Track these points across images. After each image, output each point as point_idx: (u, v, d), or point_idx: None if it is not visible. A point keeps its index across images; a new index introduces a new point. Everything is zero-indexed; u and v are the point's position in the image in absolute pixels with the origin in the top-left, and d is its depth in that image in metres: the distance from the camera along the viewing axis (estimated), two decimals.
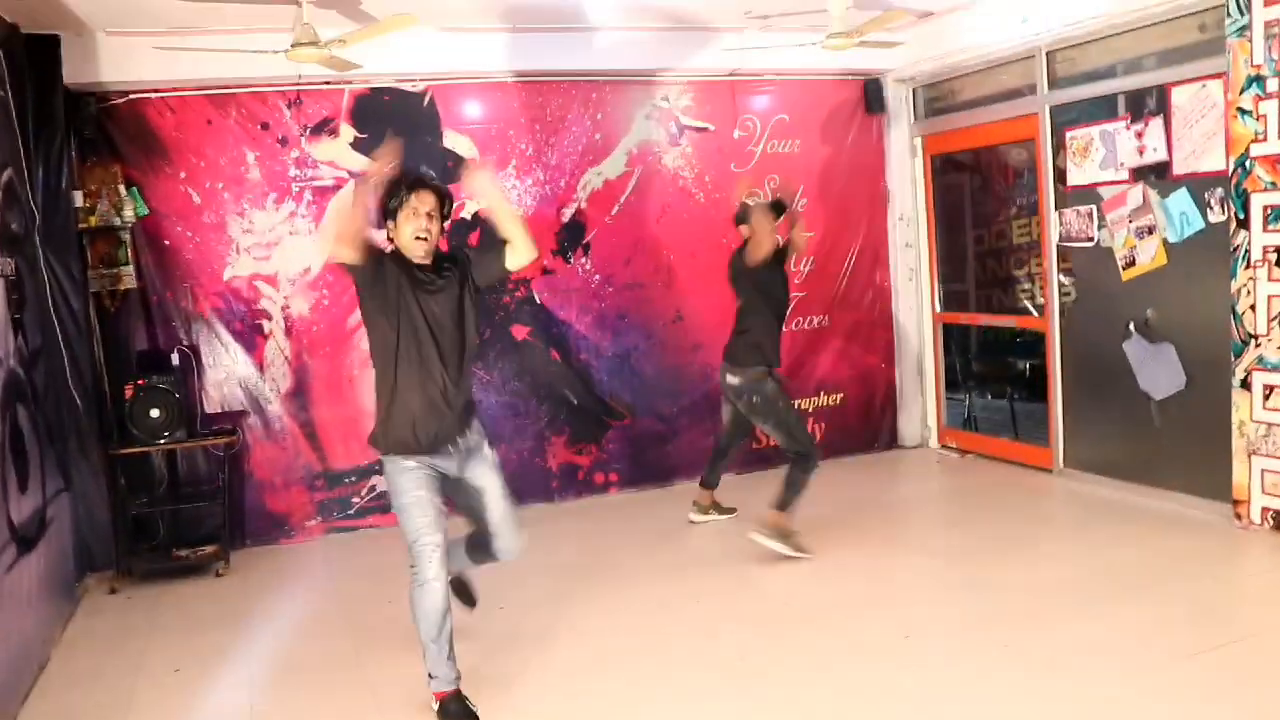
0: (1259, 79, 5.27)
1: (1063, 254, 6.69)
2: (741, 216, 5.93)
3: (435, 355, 3.87)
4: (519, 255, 4.00)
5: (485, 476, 4.09)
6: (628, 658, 4.48)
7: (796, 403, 7.50)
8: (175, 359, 6.09)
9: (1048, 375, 6.91)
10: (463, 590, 4.64)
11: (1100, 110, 6.37)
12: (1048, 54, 6.65)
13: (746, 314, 5.87)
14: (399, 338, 3.85)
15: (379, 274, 3.83)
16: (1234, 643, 4.17)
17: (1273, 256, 5.30)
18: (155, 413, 5.81)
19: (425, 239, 3.87)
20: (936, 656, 4.26)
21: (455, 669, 3.93)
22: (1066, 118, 6.59)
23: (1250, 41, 5.29)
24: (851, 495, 6.86)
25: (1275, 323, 5.31)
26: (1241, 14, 5.29)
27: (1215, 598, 4.71)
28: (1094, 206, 6.42)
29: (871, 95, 7.74)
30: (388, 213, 3.90)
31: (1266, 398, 5.40)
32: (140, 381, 5.80)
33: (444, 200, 3.96)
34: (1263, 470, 5.45)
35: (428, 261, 3.92)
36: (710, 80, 7.29)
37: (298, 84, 6.30)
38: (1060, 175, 6.66)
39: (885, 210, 7.93)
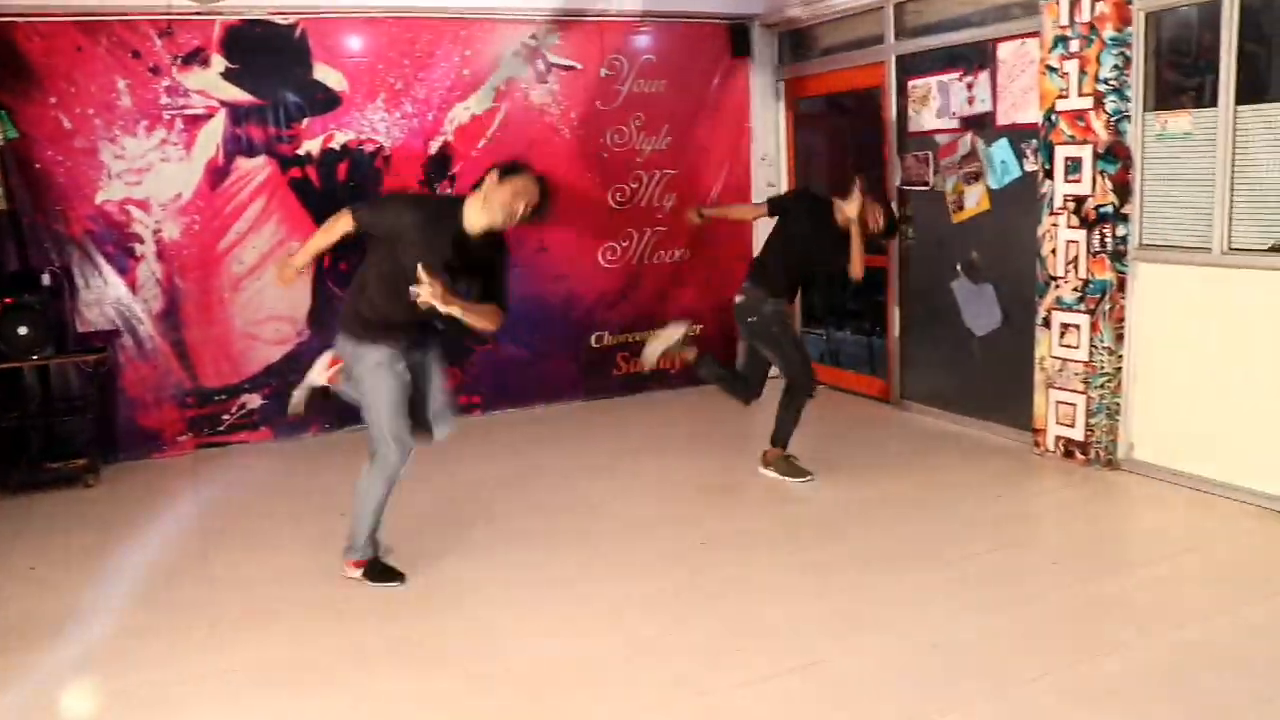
0: (1064, 39, 5.71)
1: (903, 197, 7.15)
2: (846, 194, 5.81)
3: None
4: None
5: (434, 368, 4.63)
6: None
7: None
8: (46, 279, 6.31)
9: (887, 312, 7.40)
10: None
11: (939, 62, 6.79)
12: (896, 6, 7.04)
13: (774, 243, 5.95)
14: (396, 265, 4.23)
15: (392, 227, 4.26)
16: (989, 552, 4.72)
17: (1071, 205, 5.80)
18: (24, 330, 6.07)
19: (507, 224, 4.27)
20: (727, 559, 4.76)
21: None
22: (911, 68, 7.02)
23: (1058, 4, 5.73)
24: (697, 421, 7.36)
25: (1071, 266, 5.83)
26: None
27: (986, 514, 5.25)
28: (930, 153, 6.88)
29: (738, 39, 8.08)
30: (502, 172, 4.26)
31: (1062, 335, 5.93)
32: (8, 300, 6.05)
33: (542, 205, 4.33)
34: (1057, 402, 6.01)
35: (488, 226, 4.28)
36: (579, 20, 7.57)
37: (168, 13, 6.48)
38: (902, 122, 7.10)
39: (748, 151, 8.32)
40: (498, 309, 4.38)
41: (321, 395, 4.92)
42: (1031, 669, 3.62)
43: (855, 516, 5.30)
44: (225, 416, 7.09)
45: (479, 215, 4.29)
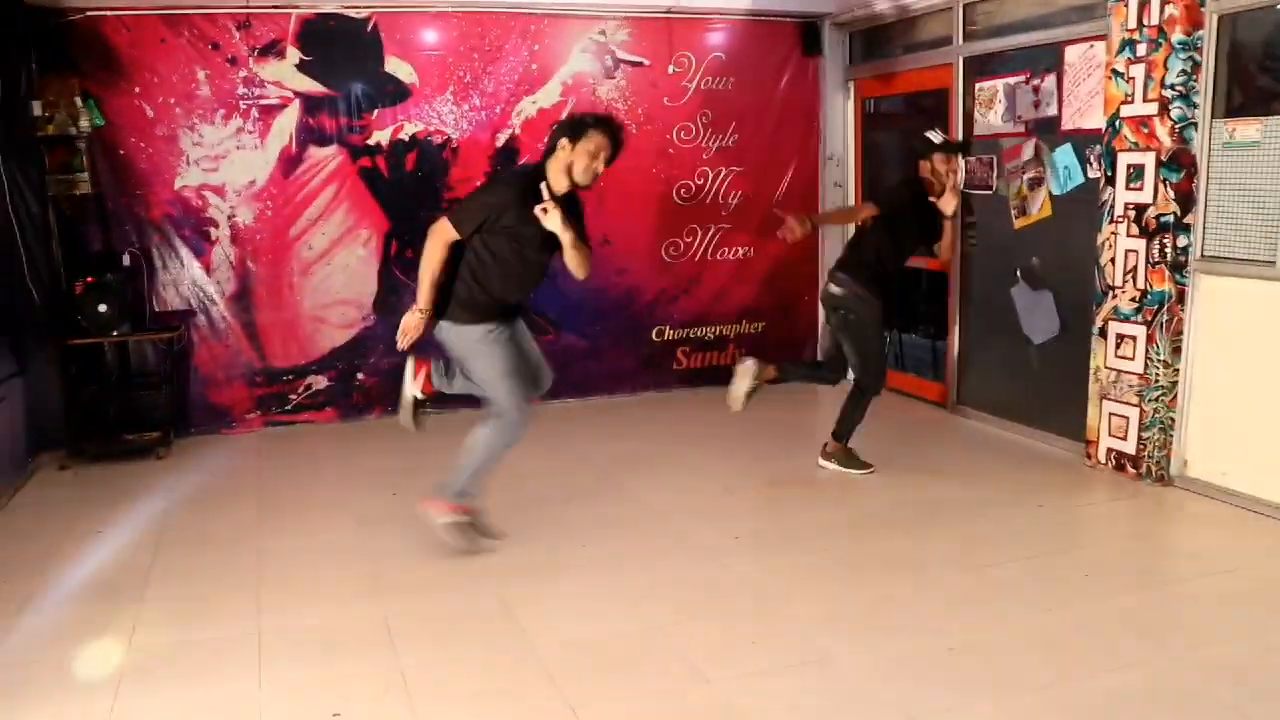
0: (1131, 43, 5.65)
1: (966, 201, 7.12)
2: (923, 153, 5.93)
3: (534, 261, 4.65)
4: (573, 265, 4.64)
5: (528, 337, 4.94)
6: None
7: (718, 329, 8.12)
8: (126, 260, 6.68)
9: (948, 316, 7.38)
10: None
11: (1006, 64, 6.76)
12: (965, 7, 7.02)
13: (880, 238, 5.90)
14: (507, 245, 4.55)
15: (493, 213, 4.51)
16: (1022, 560, 4.72)
17: (1131, 213, 5.74)
18: (103, 307, 6.41)
19: (595, 178, 4.53)
20: (772, 555, 4.85)
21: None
22: (978, 70, 6.99)
23: (1126, 6, 5.67)
24: (757, 417, 7.41)
25: (1129, 276, 5.77)
26: None
27: (1026, 523, 5.24)
28: (994, 156, 6.85)
29: (809, 37, 8.12)
30: (571, 135, 4.49)
31: (1118, 346, 5.87)
32: (90, 279, 6.39)
33: (617, 144, 4.53)
34: (1110, 414, 5.95)
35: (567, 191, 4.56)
36: (648, 17, 7.69)
37: (247, 7, 6.78)
38: (969, 124, 7.07)
39: (817, 150, 8.35)
40: (590, 251, 4.67)
41: (423, 406, 5.11)
42: (1041, 678, 3.64)
43: (893, 519, 5.34)
44: (292, 396, 7.38)
45: (561, 179, 4.52)
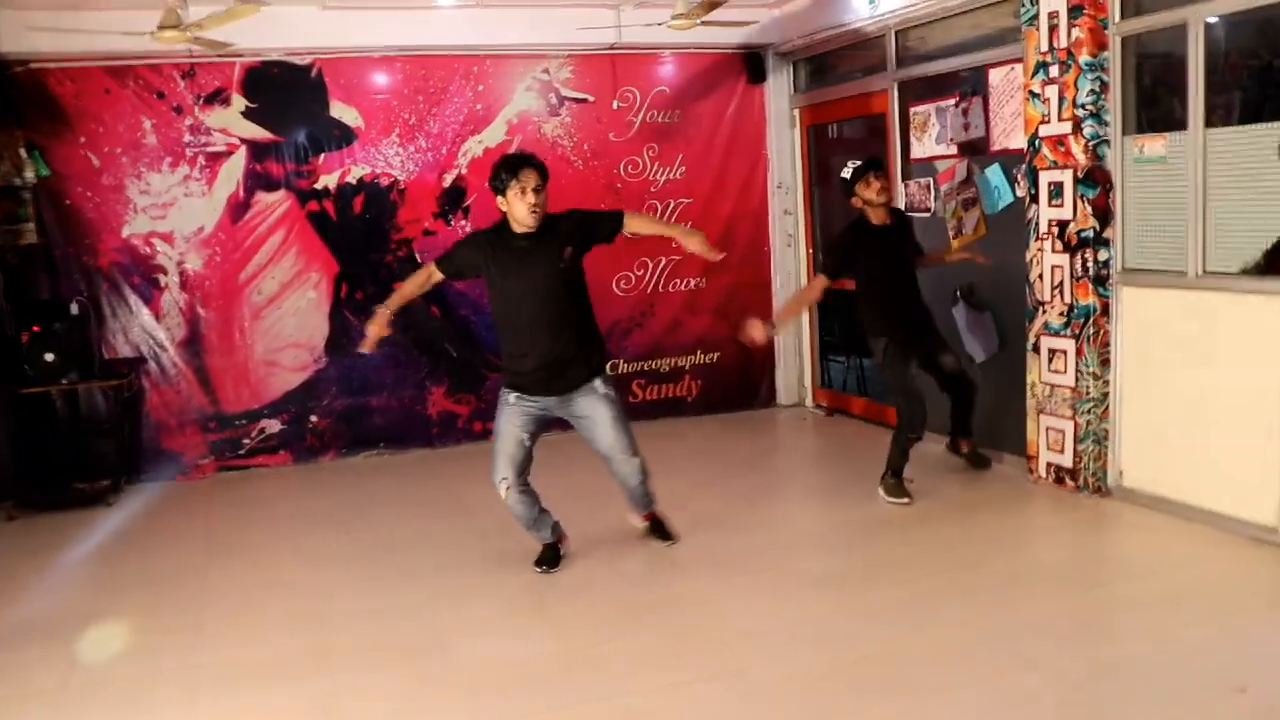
0: (1044, 65, 5.94)
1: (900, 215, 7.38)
2: (847, 193, 6.11)
3: (529, 312, 4.89)
4: (688, 241, 5.12)
5: (591, 407, 5.06)
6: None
7: (673, 360, 8.40)
8: (74, 308, 6.95)
9: None
10: (659, 528, 5.58)
11: (937, 88, 7.07)
12: (897, 33, 7.34)
13: (860, 287, 6.22)
14: (499, 300, 4.96)
15: (468, 265, 5.01)
16: (945, 573, 4.95)
17: (1055, 229, 6.01)
18: (50, 356, 6.68)
19: (538, 212, 4.82)
20: (685, 575, 5.09)
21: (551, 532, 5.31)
22: (912, 94, 7.30)
23: (1038, 30, 5.97)
24: (702, 447, 7.70)
25: (1056, 291, 6.04)
26: (1031, 4, 5.95)
27: (956, 538, 5.47)
28: (931, 179, 7.14)
29: (753, 67, 8.46)
30: (496, 190, 4.86)
31: (1050, 361, 6.12)
32: (36, 329, 6.67)
33: (545, 174, 4.86)
34: (1047, 428, 6.19)
35: (534, 227, 4.86)
36: (591, 54, 8.01)
37: (190, 57, 7.09)
38: (906, 148, 7.38)
39: (765, 179, 8.66)
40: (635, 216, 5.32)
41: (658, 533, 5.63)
42: (941, 683, 3.86)
43: (825, 538, 5.62)
44: (245, 440, 7.63)
45: (521, 226, 4.87)
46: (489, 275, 4.93)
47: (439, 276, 5.09)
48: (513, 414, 5.01)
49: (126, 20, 6.60)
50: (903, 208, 7.30)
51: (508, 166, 4.83)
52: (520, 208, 4.79)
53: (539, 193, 4.82)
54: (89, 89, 7.05)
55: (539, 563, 5.23)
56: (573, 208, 5.21)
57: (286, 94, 7.41)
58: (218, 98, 7.29)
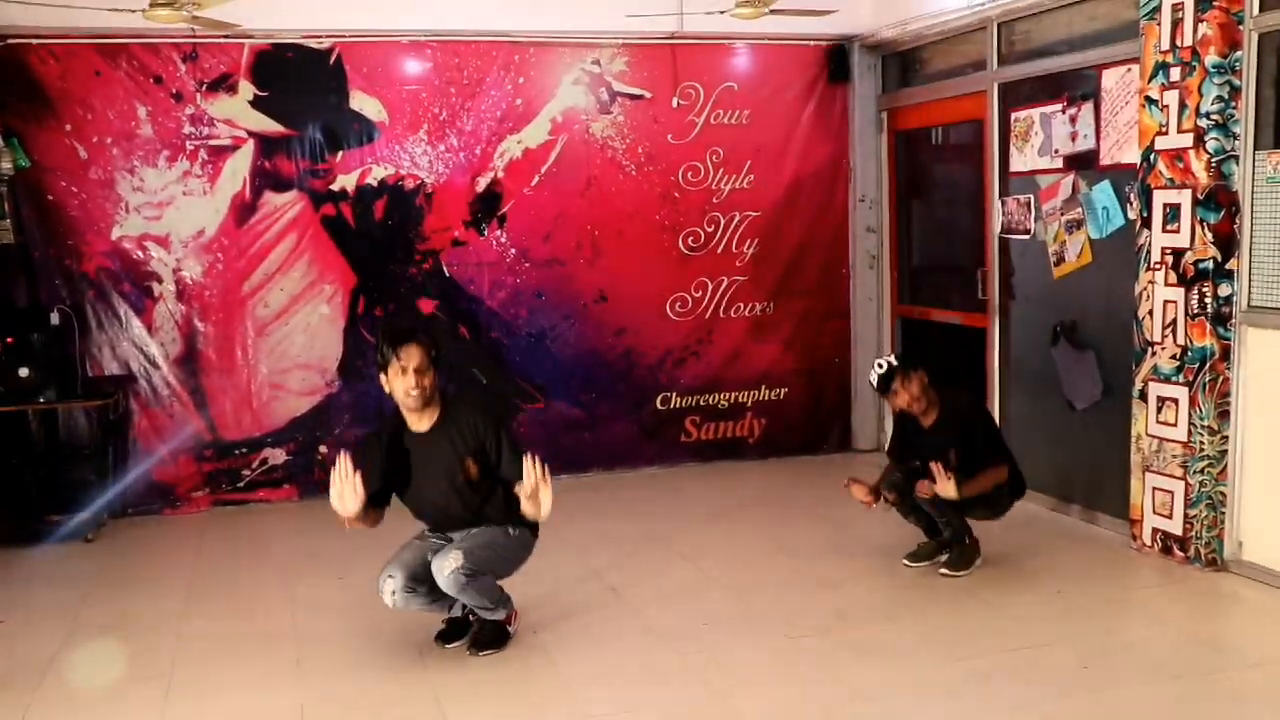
0: (1165, 66, 5.97)
1: (1004, 247, 7.45)
2: (884, 394, 6.15)
3: (433, 499, 5.10)
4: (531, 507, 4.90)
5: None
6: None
7: (733, 395, 8.53)
8: (55, 318, 7.19)
9: (986, 378, 7.68)
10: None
11: (1042, 91, 7.11)
12: (999, 25, 7.40)
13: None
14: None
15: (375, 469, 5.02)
16: (1014, 650, 5.00)
17: (1169, 259, 6.02)
18: (25, 371, 6.93)
19: (417, 393, 4.93)
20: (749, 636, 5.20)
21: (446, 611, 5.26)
22: (1014, 98, 7.36)
23: (1159, 25, 5.99)
24: (758, 495, 7.81)
25: (1168, 330, 6.04)
26: None
27: (1037, 610, 5.52)
28: (1032, 196, 7.18)
29: (835, 63, 8.57)
30: (379, 365, 5.02)
31: (1159, 411, 6.12)
32: (9, 340, 6.92)
33: (432, 352, 5.00)
34: (1154, 488, 6.19)
35: (422, 412, 5.00)
36: (648, 43, 8.18)
37: (192, 37, 7.32)
38: (1004, 160, 7.43)
39: (846, 191, 8.76)
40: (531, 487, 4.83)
41: None
42: None
43: (893, 604, 5.67)
44: (245, 472, 7.88)
45: (409, 414, 5.02)
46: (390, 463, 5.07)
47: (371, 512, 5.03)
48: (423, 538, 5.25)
49: None
50: (999, 229, 7.33)
51: (387, 339, 4.98)
52: (399, 390, 4.91)
53: (421, 374, 4.89)
54: (76, 70, 7.29)
55: (437, 637, 5.31)
56: (493, 419, 5.17)
57: (301, 82, 7.65)
58: (223, 84, 7.55)
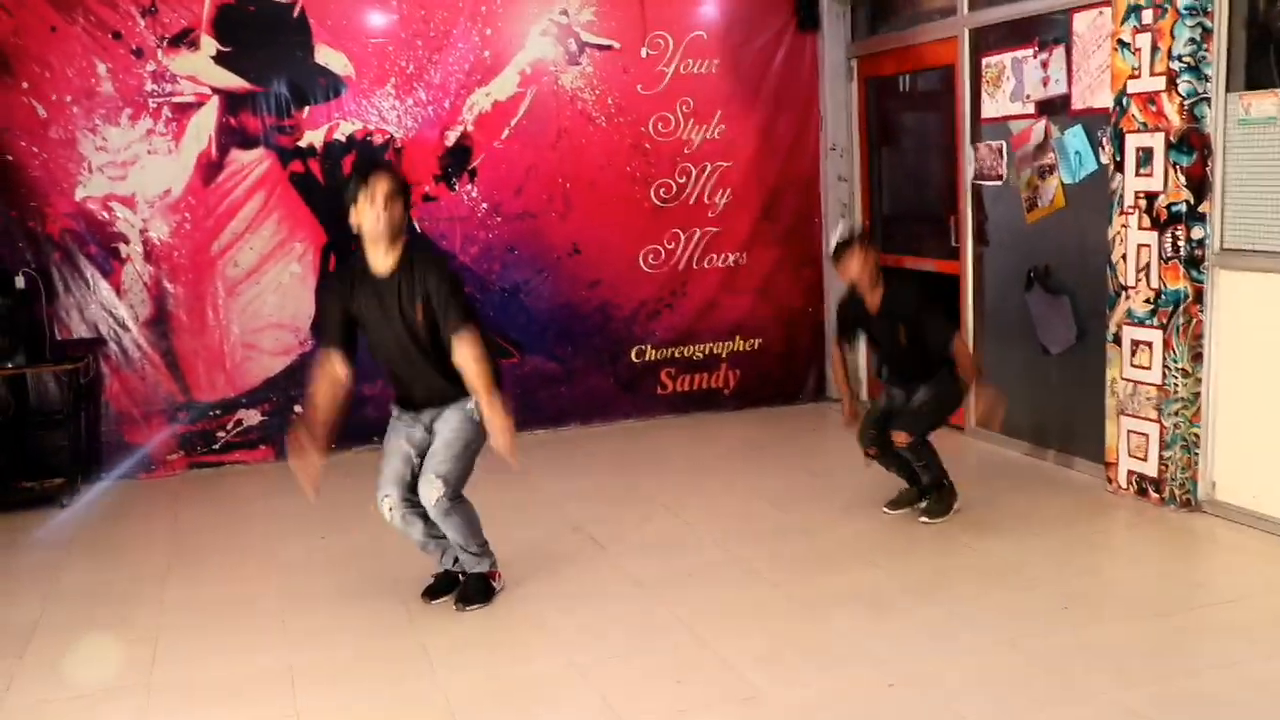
0: (1136, 9, 6.00)
1: (976, 193, 7.52)
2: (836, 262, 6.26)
3: (390, 343, 5.07)
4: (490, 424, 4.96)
5: (446, 421, 5.15)
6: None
7: (708, 347, 8.61)
8: (20, 281, 7.18)
9: (960, 325, 7.75)
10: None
11: (1014, 36, 7.15)
12: None
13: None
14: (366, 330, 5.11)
15: (338, 314, 5.09)
16: (994, 592, 5.10)
17: (1143, 203, 6.10)
18: None
19: (385, 218, 4.86)
20: (708, 587, 5.28)
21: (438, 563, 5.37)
22: (984, 43, 7.40)
23: None
24: (737, 445, 7.88)
25: (1142, 274, 6.13)
26: None
27: (1016, 555, 5.62)
28: (1004, 142, 7.24)
29: (805, 11, 8.60)
30: (349, 201, 4.96)
31: (1133, 354, 6.22)
32: None
33: (399, 184, 4.99)
34: (1129, 431, 6.29)
35: (388, 247, 4.95)
36: None
37: None
38: (976, 106, 7.49)
39: (817, 139, 8.82)
40: (468, 342, 4.90)
41: None
42: (977, 715, 4.01)
43: (862, 550, 5.77)
44: (220, 434, 7.90)
45: (372, 248, 4.97)
46: (353, 310, 5.08)
47: (337, 355, 5.10)
48: (392, 429, 5.26)
49: None
50: (971, 175, 7.40)
51: (358, 171, 5.06)
52: (368, 218, 4.88)
53: (389, 201, 4.88)
54: (30, 25, 7.20)
55: (425, 592, 5.37)
56: (447, 275, 5.06)
57: (265, 36, 7.61)
58: (184, 39, 7.50)
